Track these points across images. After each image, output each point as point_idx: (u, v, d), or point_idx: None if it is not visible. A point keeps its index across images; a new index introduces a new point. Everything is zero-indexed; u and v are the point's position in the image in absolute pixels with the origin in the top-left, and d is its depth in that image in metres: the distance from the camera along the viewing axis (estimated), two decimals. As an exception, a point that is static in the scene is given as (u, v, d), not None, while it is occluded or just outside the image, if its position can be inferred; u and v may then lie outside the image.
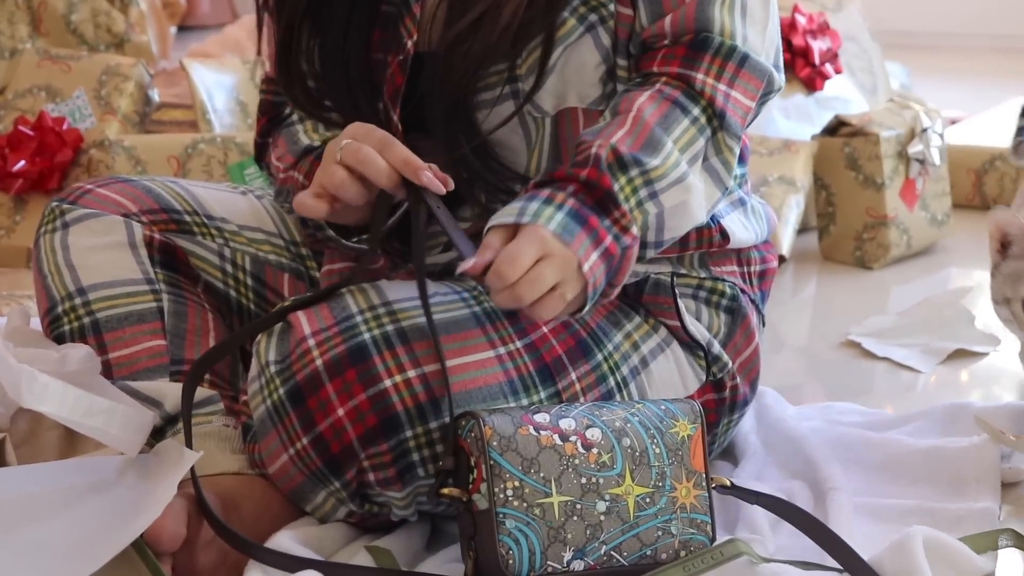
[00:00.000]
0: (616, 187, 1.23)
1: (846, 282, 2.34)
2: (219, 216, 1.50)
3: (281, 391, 1.24)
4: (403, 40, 1.36)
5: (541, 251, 1.19)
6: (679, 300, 1.41)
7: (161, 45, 3.00)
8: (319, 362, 1.23)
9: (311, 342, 1.24)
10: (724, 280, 1.45)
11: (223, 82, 2.57)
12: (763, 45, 1.35)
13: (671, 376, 1.39)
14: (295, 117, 1.46)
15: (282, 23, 1.40)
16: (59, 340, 1.42)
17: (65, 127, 2.33)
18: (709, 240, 1.43)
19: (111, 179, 1.50)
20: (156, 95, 2.51)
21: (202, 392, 1.38)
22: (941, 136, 2.46)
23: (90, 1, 2.81)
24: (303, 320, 1.26)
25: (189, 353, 1.41)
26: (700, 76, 1.30)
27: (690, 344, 1.41)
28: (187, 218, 1.48)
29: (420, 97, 1.37)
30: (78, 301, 1.42)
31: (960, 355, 1.97)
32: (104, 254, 1.43)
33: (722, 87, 1.30)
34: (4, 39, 2.75)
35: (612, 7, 1.33)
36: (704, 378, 1.42)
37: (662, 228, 1.28)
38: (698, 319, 1.42)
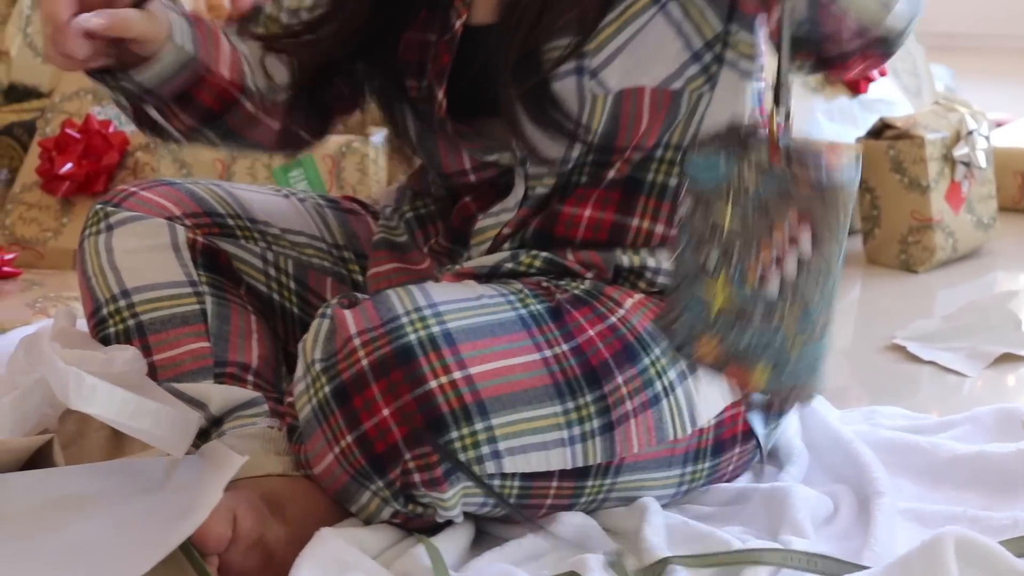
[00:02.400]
0: None
1: (891, 286, 2.33)
2: (262, 219, 1.51)
3: (327, 389, 1.25)
4: (451, 20, 1.37)
5: None
6: None
7: (206, 48, 3.02)
8: (365, 362, 1.24)
9: (357, 342, 1.24)
10: None
11: (268, 85, 2.58)
12: None
13: (718, 381, 1.39)
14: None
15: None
16: (105, 342, 1.43)
17: (111, 130, 2.35)
18: None
19: (155, 182, 1.50)
20: (201, 98, 2.52)
21: (246, 394, 1.39)
22: (987, 139, 2.45)
23: (136, 4, 2.83)
24: (349, 319, 1.26)
25: (232, 355, 1.42)
26: None
27: None
28: (230, 221, 1.49)
29: (466, 78, 1.37)
30: (122, 303, 1.43)
31: (1007, 359, 1.95)
32: (148, 256, 1.44)
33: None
34: (51, 42, 2.77)
35: None
36: (749, 382, 1.41)
37: None
38: None
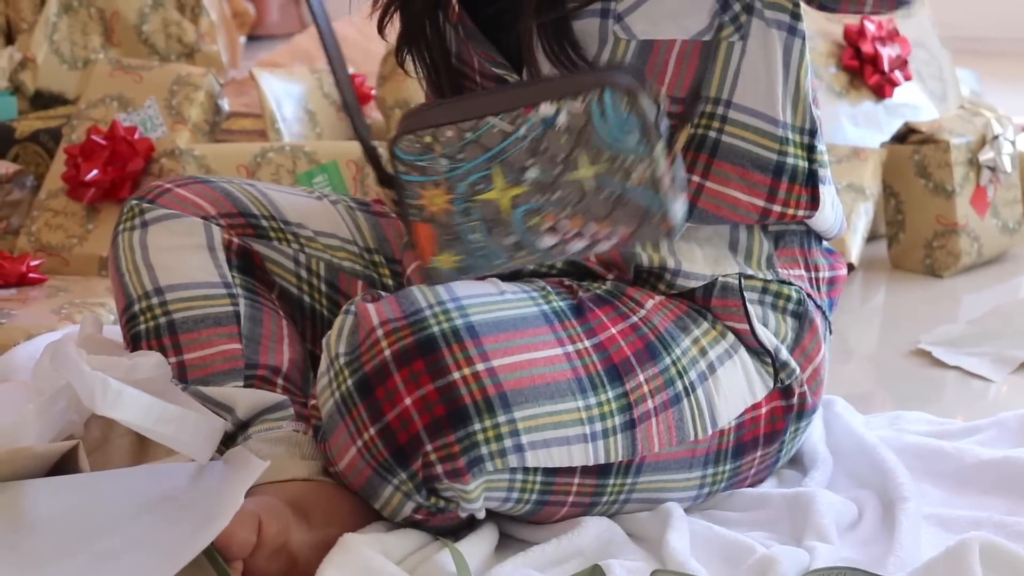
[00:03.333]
0: None
1: (916, 290, 2.32)
2: (295, 221, 1.51)
3: (350, 382, 1.25)
4: None
5: None
6: (748, 305, 1.41)
7: (231, 55, 3.03)
8: (387, 352, 1.24)
9: (380, 332, 1.25)
10: (791, 284, 1.44)
11: (292, 91, 2.59)
12: None
13: (739, 382, 1.39)
14: None
15: None
16: (135, 338, 1.44)
17: (137, 136, 2.36)
18: (797, 199, 1.41)
19: (189, 179, 1.51)
20: (226, 104, 2.53)
21: (272, 397, 1.39)
22: (1012, 143, 2.44)
23: (161, 11, 2.84)
24: (372, 311, 1.27)
25: (264, 358, 1.42)
26: None
27: (757, 350, 1.41)
28: (264, 223, 1.49)
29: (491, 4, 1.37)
30: (155, 301, 1.43)
31: (1032, 364, 1.95)
32: (182, 255, 1.45)
33: None
34: (77, 49, 2.78)
35: None
36: (772, 385, 1.41)
37: None
38: (765, 324, 1.42)
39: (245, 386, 1.40)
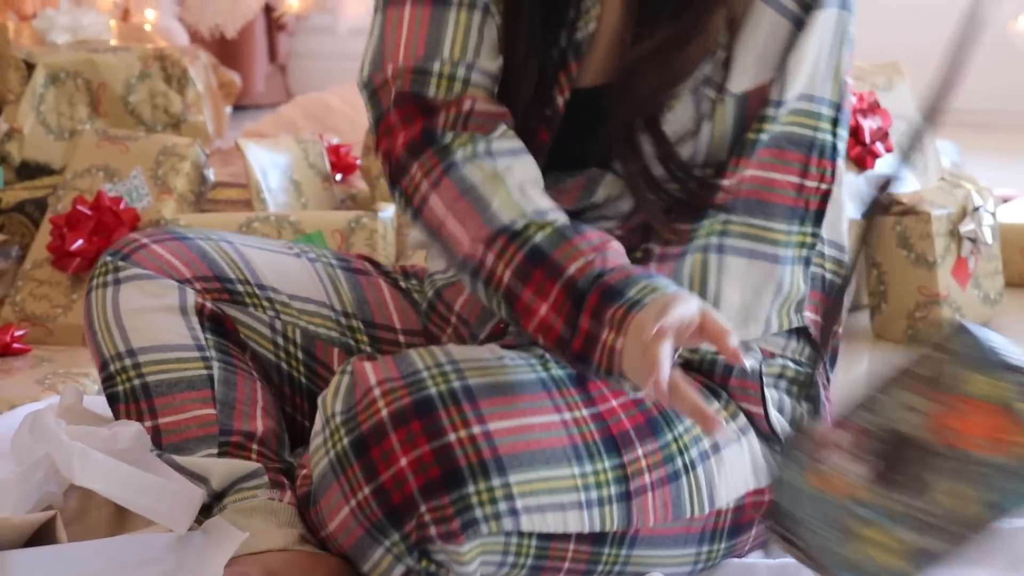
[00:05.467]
0: None
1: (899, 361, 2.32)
2: (271, 284, 1.50)
3: (346, 441, 1.25)
4: (554, 98, 1.37)
5: None
6: (765, 389, 1.40)
7: (217, 125, 3.05)
8: (384, 412, 1.23)
9: (377, 392, 1.24)
10: (803, 365, 1.42)
11: (277, 161, 2.60)
12: None
13: (743, 466, 1.37)
14: (459, 155, 1.32)
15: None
16: (113, 399, 1.44)
17: (122, 206, 2.36)
18: (822, 172, 1.39)
19: (166, 233, 1.50)
20: (211, 174, 2.54)
21: (247, 466, 1.38)
22: (993, 214, 2.45)
23: (148, 82, 2.85)
24: (369, 371, 1.26)
25: (238, 424, 1.42)
26: None
27: (769, 436, 1.39)
28: (239, 287, 1.49)
29: (574, 138, 1.37)
30: (128, 362, 1.43)
31: (1013, 435, 1.95)
32: (155, 316, 1.44)
33: None
34: (64, 120, 2.80)
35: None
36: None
37: None
38: (780, 410, 1.41)
39: (220, 452, 1.39)
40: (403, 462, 1.22)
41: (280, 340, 1.50)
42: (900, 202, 2.42)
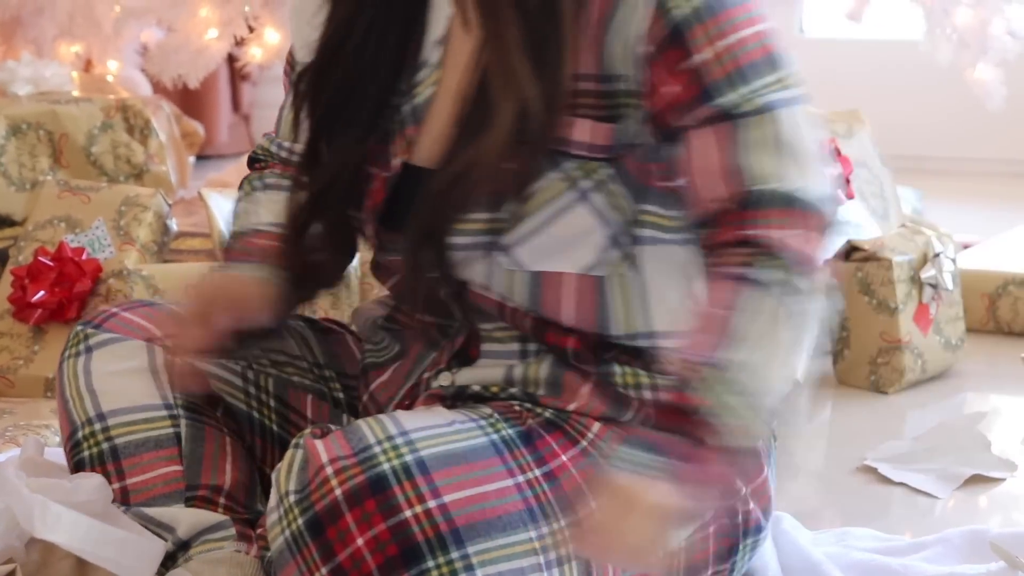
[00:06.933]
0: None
1: (861, 406, 2.34)
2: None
3: (300, 521, 1.24)
4: (391, 158, 1.38)
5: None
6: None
7: (180, 175, 3.04)
8: (338, 492, 1.23)
9: (329, 470, 1.24)
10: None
11: (240, 211, 2.59)
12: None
13: None
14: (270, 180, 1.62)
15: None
16: (79, 465, 1.43)
17: (84, 257, 2.36)
18: None
19: (136, 303, 1.51)
20: (174, 224, 2.54)
21: (214, 517, 1.38)
22: (954, 261, 2.47)
23: (110, 133, 2.85)
24: (321, 448, 1.26)
25: (205, 478, 1.41)
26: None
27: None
28: None
29: (403, 212, 1.37)
30: (97, 427, 1.43)
31: (977, 480, 1.96)
32: (125, 379, 1.45)
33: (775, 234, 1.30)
34: (25, 171, 2.79)
35: (609, 171, 1.32)
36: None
37: None
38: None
39: (187, 507, 1.39)
40: (360, 542, 1.22)
41: (252, 389, 1.50)
42: (861, 248, 2.43)
